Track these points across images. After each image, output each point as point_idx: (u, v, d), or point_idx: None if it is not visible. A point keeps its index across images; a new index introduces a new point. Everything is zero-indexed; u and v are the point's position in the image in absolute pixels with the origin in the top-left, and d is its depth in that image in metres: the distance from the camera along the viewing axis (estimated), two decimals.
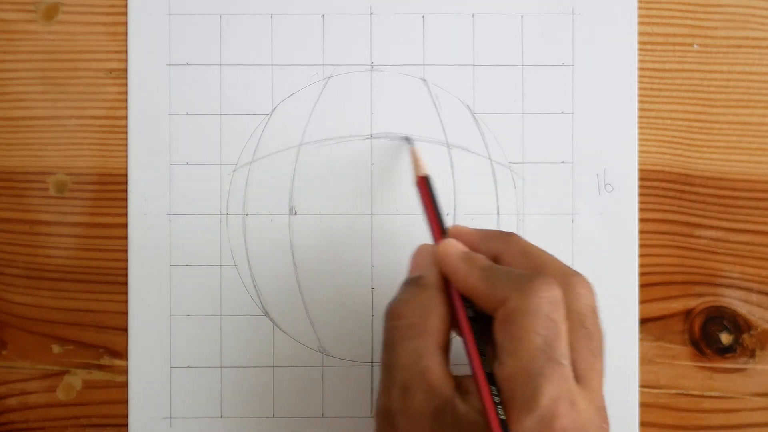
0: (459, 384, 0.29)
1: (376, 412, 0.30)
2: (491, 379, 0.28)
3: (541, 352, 0.27)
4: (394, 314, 0.30)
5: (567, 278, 0.30)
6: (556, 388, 0.27)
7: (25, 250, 0.38)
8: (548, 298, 0.28)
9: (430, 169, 0.35)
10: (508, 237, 0.32)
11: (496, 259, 0.31)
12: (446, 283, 0.31)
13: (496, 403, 0.27)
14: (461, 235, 0.32)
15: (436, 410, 0.28)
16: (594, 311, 0.30)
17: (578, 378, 0.28)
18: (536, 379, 0.27)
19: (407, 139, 0.37)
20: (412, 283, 0.31)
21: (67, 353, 0.38)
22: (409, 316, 0.30)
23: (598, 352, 0.30)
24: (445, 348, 0.30)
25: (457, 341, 0.30)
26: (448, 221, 0.38)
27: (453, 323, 0.30)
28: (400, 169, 0.38)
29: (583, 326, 0.29)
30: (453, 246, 0.31)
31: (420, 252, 0.32)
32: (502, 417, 0.27)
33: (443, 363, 0.29)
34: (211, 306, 0.38)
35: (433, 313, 0.30)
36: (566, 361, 0.28)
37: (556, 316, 0.28)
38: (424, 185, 0.34)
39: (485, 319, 0.30)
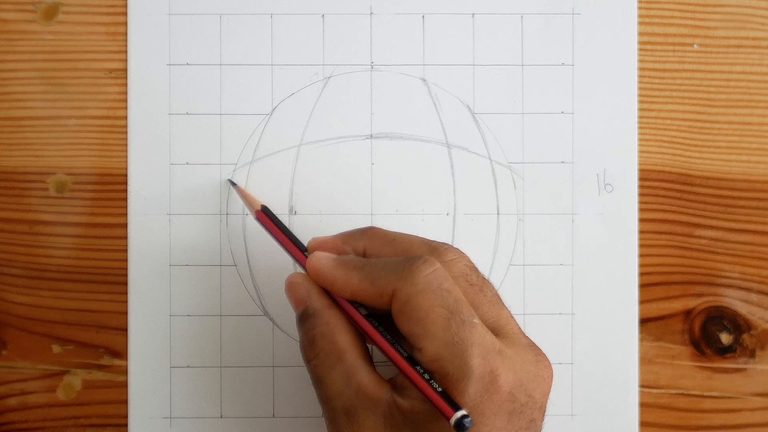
0: (394, 385, 0.29)
1: None
2: (412, 361, 0.28)
3: (450, 322, 0.28)
4: (307, 354, 0.30)
5: (435, 251, 0.30)
6: (480, 347, 0.27)
7: (25, 250, 0.38)
8: (432, 273, 0.28)
9: (264, 200, 0.35)
10: (369, 231, 0.32)
11: (363, 256, 0.32)
12: (332, 298, 0.31)
13: (427, 380, 0.27)
14: (322, 245, 0.32)
15: (384, 418, 0.28)
16: (472, 268, 0.31)
17: (492, 330, 0.29)
18: (458, 347, 0.27)
19: (231, 183, 0.37)
20: (304, 317, 0.31)
21: (67, 353, 0.38)
22: (320, 349, 0.30)
23: (496, 299, 0.31)
24: (367, 358, 0.30)
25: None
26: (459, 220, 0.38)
27: (359, 331, 0.31)
28: (400, 169, 0.38)
29: (470, 284, 0.30)
30: (321, 258, 0.31)
31: (292, 285, 0.32)
32: (440, 389, 0.27)
33: (372, 372, 0.30)
34: (211, 306, 0.38)
35: (336, 332, 0.30)
36: (476, 320, 0.28)
37: (447, 284, 0.28)
38: (265, 217, 0.34)
39: (380, 316, 0.30)
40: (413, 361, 0.28)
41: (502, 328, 0.30)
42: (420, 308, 0.28)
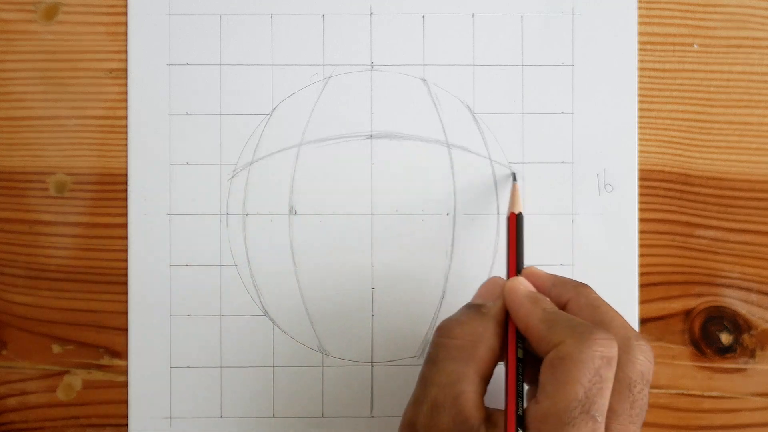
0: (488, 416, 0.29)
1: (402, 422, 0.30)
2: (520, 421, 0.28)
3: (578, 403, 0.27)
4: (445, 331, 0.30)
5: (629, 340, 0.29)
6: None
7: (25, 250, 0.38)
8: (602, 353, 0.28)
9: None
10: (580, 287, 0.32)
11: (563, 307, 0.31)
12: (506, 319, 0.31)
13: None
14: (534, 276, 0.33)
15: None
16: (646, 380, 0.29)
17: None
18: (565, 427, 0.27)
19: (513, 175, 0.38)
20: (472, 308, 0.31)
21: (67, 353, 0.38)
22: (460, 337, 0.30)
23: (637, 420, 0.29)
24: (485, 379, 0.30)
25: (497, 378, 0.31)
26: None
27: (499, 359, 0.31)
28: (400, 169, 0.38)
29: (630, 392, 0.29)
30: (522, 283, 0.31)
31: (489, 282, 0.33)
32: None
33: (479, 392, 0.29)
34: (211, 306, 0.38)
35: (483, 341, 0.30)
36: (600, 419, 0.28)
37: (605, 373, 0.28)
38: (515, 222, 0.34)
39: (531, 362, 0.30)
40: (521, 422, 0.28)
41: None
42: (566, 372, 0.27)
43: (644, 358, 0.29)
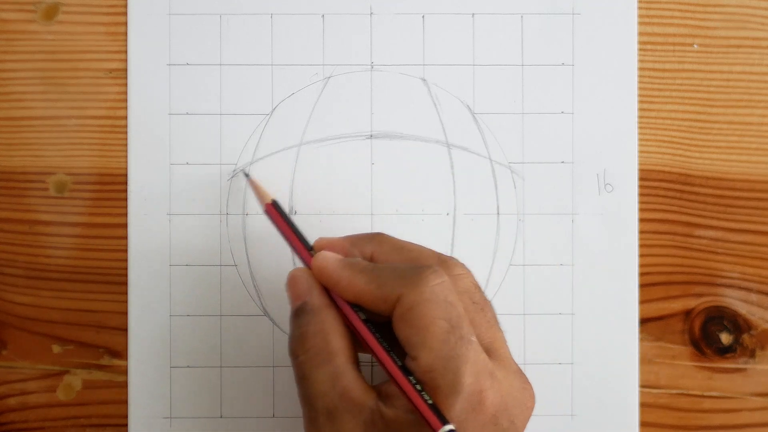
0: (380, 392, 0.29)
1: None
2: (406, 371, 0.28)
3: (449, 335, 0.28)
4: (295, 349, 0.30)
5: (444, 263, 0.31)
6: (473, 366, 0.28)
7: (25, 250, 0.38)
8: (440, 285, 0.28)
9: (274, 194, 0.35)
10: (377, 237, 0.32)
11: (370, 260, 0.31)
12: (331, 298, 0.31)
13: (418, 391, 0.27)
14: (330, 245, 0.32)
15: (366, 424, 0.28)
16: (477, 286, 0.31)
17: (486, 351, 0.29)
18: (453, 361, 0.27)
19: (245, 174, 0.37)
20: (299, 312, 0.31)
21: (67, 353, 0.38)
22: (310, 345, 0.30)
23: (494, 321, 0.31)
24: (355, 362, 0.30)
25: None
26: (456, 219, 0.38)
27: (352, 334, 0.30)
28: (400, 169, 0.38)
29: (473, 302, 0.30)
30: (328, 258, 0.31)
31: (293, 279, 0.31)
32: (430, 402, 0.27)
33: (359, 377, 0.29)
34: (211, 306, 0.38)
35: (330, 333, 0.30)
36: (473, 338, 0.28)
37: (452, 298, 0.29)
38: (274, 211, 0.34)
39: (382, 325, 0.30)
40: (406, 371, 0.28)
41: (495, 351, 0.30)
42: (423, 317, 0.28)
43: (463, 270, 0.31)
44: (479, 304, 0.30)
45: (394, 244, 0.32)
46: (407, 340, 0.28)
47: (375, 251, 0.32)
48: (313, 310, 0.30)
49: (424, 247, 0.32)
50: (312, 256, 0.32)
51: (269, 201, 0.34)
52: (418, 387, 0.28)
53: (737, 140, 0.39)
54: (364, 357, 0.31)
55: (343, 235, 0.36)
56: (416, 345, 0.28)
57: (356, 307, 0.30)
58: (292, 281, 0.31)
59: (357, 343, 0.31)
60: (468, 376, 0.27)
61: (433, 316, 0.28)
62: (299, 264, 0.33)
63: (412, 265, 0.30)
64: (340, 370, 0.29)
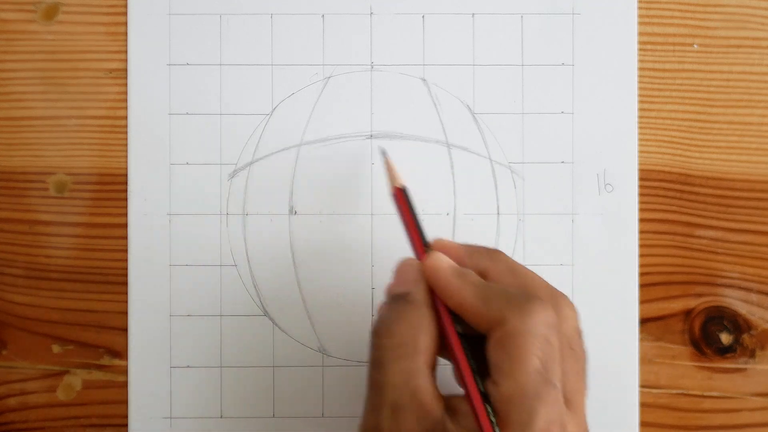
0: (448, 404, 0.29)
1: (361, 430, 0.29)
2: (485, 398, 0.28)
3: (538, 375, 0.27)
4: (383, 332, 0.29)
5: (555, 299, 0.30)
6: (550, 412, 0.27)
7: (25, 250, 0.38)
8: (546, 321, 0.28)
9: (405, 181, 0.34)
10: (495, 254, 0.32)
11: (482, 276, 0.31)
12: (434, 300, 0.30)
13: (492, 422, 0.27)
14: (446, 249, 0.31)
15: (427, 431, 0.28)
16: (579, 333, 0.30)
17: (566, 400, 0.28)
18: (532, 401, 0.27)
19: (382, 151, 0.36)
20: (400, 299, 0.30)
21: (67, 353, 0.38)
22: (399, 334, 0.29)
23: (583, 374, 0.30)
24: (434, 367, 0.30)
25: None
26: (449, 222, 0.38)
27: (440, 342, 0.30)
28: (400, 169, 0.38)
29: (570, 348, 0.29)
30: (443, 261, 0.30)
31: (404, 266, 0.31)
32: None
33: (433, 383, 0.29)
34: (211, 306, 0.38)
35: (423, 331, 0.29)
36: (559, 384, 0.28)
37: (553, 338, 0.28)
38: (402, 197, 0.33)
39: (472, 338, 0.29)
40: (486, 398, 0.28)
41: (574, 403, 0.29)
42: (519, 347, 0.27)
43: (572, 312, 0.30)
44: (575, 352, 0.30)
45: (510, 265, 0.31)
46: (496, 364, 0.28)
47: (489, 267, 0.31)
48: (414, 302, 0.30)
49: (540, 277, 0.31)
50: (426, 252, 0.31)
51: (400, 185, 0.33)
52: (493, 419, 0.27)
53: (737, 140, 0.39)
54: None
55: (345, 235, 0.36)
56: (503, 372, 0.27)
57: (455, 319, 0.30)
58: (404, 267, 0.31)
59: (442, 349, 0.30)
60: (541, 419, 0.27)
61: (529, 350, 0.27)
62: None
63: (523, 291, 0.29)
64: (418, 369, 0.29)
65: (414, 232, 0.32)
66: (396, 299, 0.30)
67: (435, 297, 0.30)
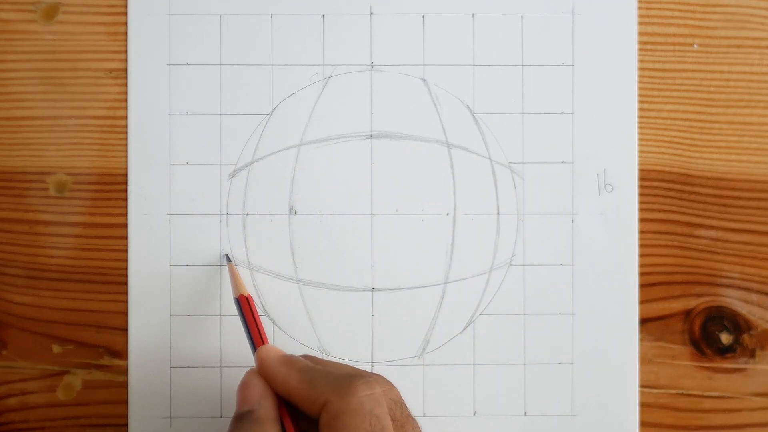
0: None
1: None
2: None
3: None
4: None
5: (372, 376, 0.30)
6: None
7: (25, 250, 0.38)
8: (369, 396, 0.28)
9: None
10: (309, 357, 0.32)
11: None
12: (279, 409, 0.30)
13: None
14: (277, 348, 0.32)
15: None
16: (400, 403, 0.30)
17: None
18: None
19: (226, 257, 0.37)
20: (244, 418, 0.30)
21: (67, 353, 0.38)
22: None
23: None
24: None
25: None
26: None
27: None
28: (400, 169, 0.38)
29: (394, 419, 0.29)
30: (272, 350, 0.31)
31: (248, 384, 0.31)
32: None
33: None
34: (211, 306, 0.38)
35: None
36: None
37: (379, 411, 0.28)
38: (246, 304, 0.34)
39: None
40: None
41: None
42: (346, 427, 0.28)
43: (386, 385, 0.30)
44: (399, 422, 0.30)
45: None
46: None
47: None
48: (258, 420, 0.30)
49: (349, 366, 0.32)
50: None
51: (245, 294, 0.34)
52: None
53: (737, 140, 0.39)
54: None
55: (345, 235, 0.36)
56: None
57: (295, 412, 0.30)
58: (246, 385, 0.31)
59: None
60: None
61: (355, 428, 0.28)
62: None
63: (344, 372, 0.30)
64: None
65: (255, 333, 0.33)
66: (240, 418, 0.30)
67: (282, 410, 0.30)
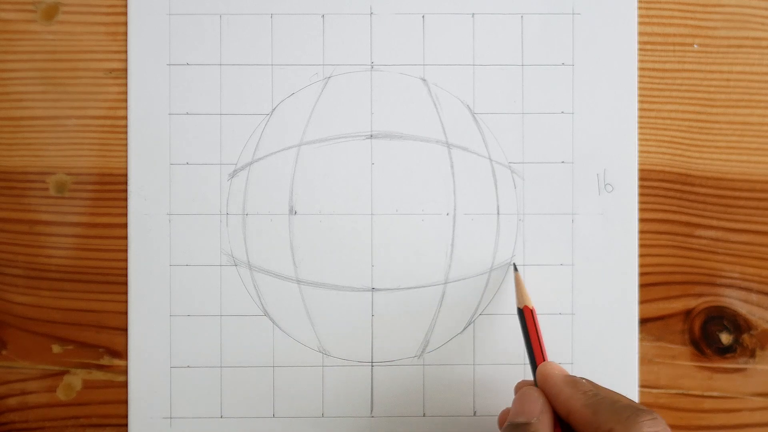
0: None
1: None
2: None
3: None
4: None
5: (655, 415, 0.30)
6: None
7: (25, 250, 0.38)
8: None
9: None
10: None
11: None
12: (554, 427, 0.31)
13: None
14: (559, 366, 0.33)
15: None
16: None
17: None
18: None
19: (514, 266, 0.38)
20: (521, 429, 0.31)
21: (67, 353, 0.38)
22: None
23: None
24: None
25: None
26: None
27: None
28: (400, 169, 0.38)
29: None
30: (555, 368, 0.32)
31: (527, 395, 0.32)
32: None
33: None
34: (211, 306, 0.38)
35: None
36: None
37: None
38: (531, 316, 0.34)
39: None
40: None
41: None
42: None
43: (667, 429, 0.30)
44: None
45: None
46: None
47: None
48: None
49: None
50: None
51: (531, 306, 0.35)
52: None
53: (737, 140, 0.39)
54: None
55: (345, 235, 0.36)
56: None
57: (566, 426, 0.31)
58: (526, 396, 0.32)
59: None
60: None
61: None
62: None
63: (631, 404, 0.30)
64: None
65: (536, 347, 0.33)
66: (517, 428, 0.31)
67: (556, 427, 0.31)
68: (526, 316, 0.34)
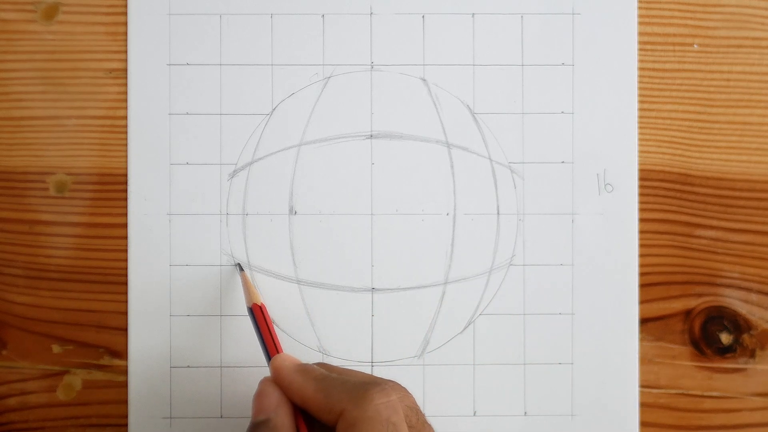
0: None
1: None
2: None
3: None
4: None
5: (388, 383, 0.30)
6: None
7: (25, 250, 0.38)
8: (385, 404, 0.28)
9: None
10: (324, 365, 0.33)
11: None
12: (296, 420, 0.30)
13: None
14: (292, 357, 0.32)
15: None
16: (415, 410, 0.30)
17: None
18: None
19: (239, 266, 0.37)
20: (261, 428, 0.30)
21: (67, 353, 0.38)
22: None
23: None
24: None
25: None
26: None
27: None
28: (400, 169, 0.38)
29: (410, 426, 0.29)
30: (287, 359, 0.31)
31: (263, 392, 0.31)
32: None
33: None
34: (211, 306, 0.38)
35: None
36: None
37: (396, 418, 0.28)
38: (260, 313, 0.34)
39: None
40: None
41: None
42: None
43: (401, 392, 0.30)
44: (416, 428, 0.30)
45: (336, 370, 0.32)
46: None
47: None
48: (274, 429, 0.30)
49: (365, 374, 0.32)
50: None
51: (259, 303, 0.34)
52: None
53: (737, 140, 0.39)
54: None
55: (345, 235, 0.36)
56: None
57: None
58: (261, 394, 0.31)
59: None
60: None
61: None
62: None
63: (360, 380, 0.30)
64: None
65: (270, 342, 0.33)
66: (257, 428, 0.30)
67: (298, 418, 0.30)
68: (256, 314, 0.34)
